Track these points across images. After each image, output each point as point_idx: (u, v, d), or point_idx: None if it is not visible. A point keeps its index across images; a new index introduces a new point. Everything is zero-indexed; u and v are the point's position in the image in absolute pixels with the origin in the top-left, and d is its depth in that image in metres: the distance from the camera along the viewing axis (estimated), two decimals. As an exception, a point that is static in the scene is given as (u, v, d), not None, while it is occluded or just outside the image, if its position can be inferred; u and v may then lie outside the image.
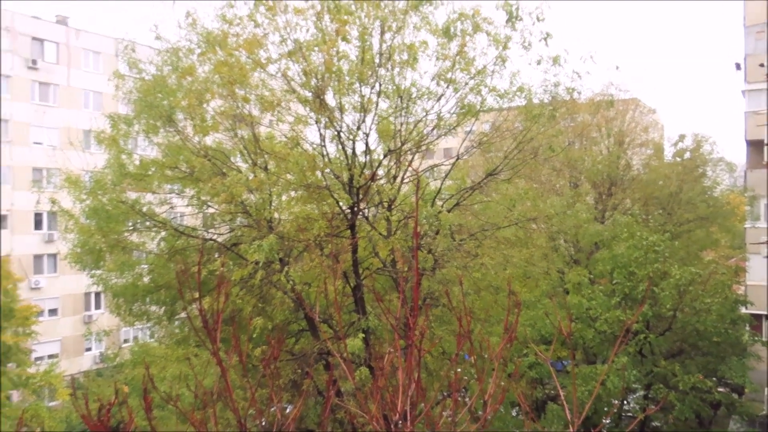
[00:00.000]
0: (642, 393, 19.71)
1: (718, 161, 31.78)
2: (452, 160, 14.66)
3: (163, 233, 14.52)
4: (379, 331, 12.79)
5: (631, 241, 18.72)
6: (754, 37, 26.80)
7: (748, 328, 19.92)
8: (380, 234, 13.10)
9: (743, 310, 20.41)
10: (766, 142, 26.32)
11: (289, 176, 12.44)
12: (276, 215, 13.38)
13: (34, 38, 37.35)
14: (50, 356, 34.96)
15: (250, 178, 12.36)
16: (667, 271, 18.12)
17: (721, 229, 30.33)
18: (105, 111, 18.24)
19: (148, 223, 14.38)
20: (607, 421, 19.03)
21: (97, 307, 38.62)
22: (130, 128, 14.28)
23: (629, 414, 20.65)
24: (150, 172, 14.29)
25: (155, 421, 3.06)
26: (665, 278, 18.02)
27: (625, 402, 20.37)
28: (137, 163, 14.51)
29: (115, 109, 18.62)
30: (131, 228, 14.61)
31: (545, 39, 13.08)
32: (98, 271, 15.47)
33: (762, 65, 25.49)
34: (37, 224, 37.17)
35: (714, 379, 19.23)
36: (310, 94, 12.53)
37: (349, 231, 13.21)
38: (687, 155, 30.25)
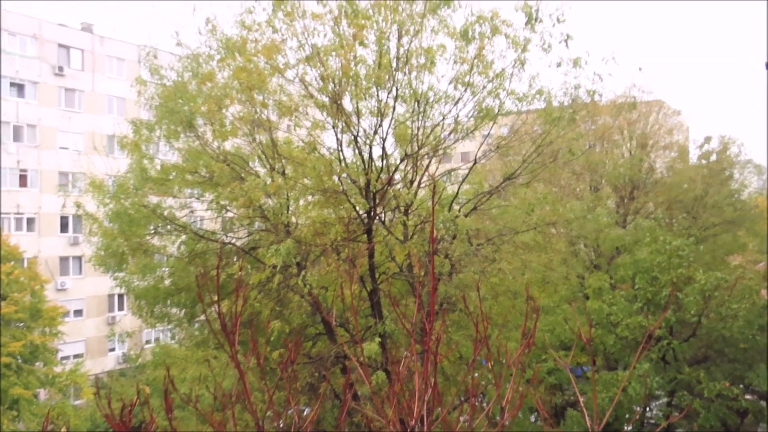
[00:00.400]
0: (665, 400, 19.37)
1: (746, 163, 31.10)
2: (470, 164, 14.58)
3: (183, 237, 14.70)
4: (396, 336, 12.78)
5: (654, 245, 18.40)
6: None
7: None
8: (397, 238, 13.08)
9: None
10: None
11: (306, 181, 12.51)
12: (293, 219, 13.45)
13: (60, 45, 38.17)
14: (75, 356, 35.62)
15: (268, 182, 12.44)
16: (692, 276, 17.78)
17: (748, 233, 29.63)
18: (128, 116, 18.54)
19: (168, 227, 14.57)
20: (629, 428, 18.74)
21: (120, 308, 39.24)
22: (151, 133, 14.49)
23: (652, 421, 20.31)
24: (171, 177, 14.48)
25: (175, 421, 3.11)
26: (689, 283, 17.68)
27: (647, 409, 20.04)
28: (158, 167, 14.72)
29: (138, 114, 18.91)
30: (153, 231, 14.82)
31: (566, 41, 12.95)
32: (121, 274, 15.72)
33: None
34: (63, 227, 37.95)
35: (741, 386, 18.82)
36: (327, 98, 12.57)
37: (365, 235, 13.22)
38: (713, 157, 29.65)
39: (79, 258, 37.44)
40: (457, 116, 13.39)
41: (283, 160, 13.33)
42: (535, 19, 12.73)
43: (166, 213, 14.33)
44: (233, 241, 14.94)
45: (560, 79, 13.66)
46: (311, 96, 12.77)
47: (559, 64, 13.29)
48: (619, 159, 26.19)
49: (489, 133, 14.30)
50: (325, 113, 12.86)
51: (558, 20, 12.75)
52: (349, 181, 12.95)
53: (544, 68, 13.68)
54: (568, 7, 12.71)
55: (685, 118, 33.92)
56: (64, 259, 38.00)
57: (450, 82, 13.03)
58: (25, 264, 31.27)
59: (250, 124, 13.31)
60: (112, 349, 39.40)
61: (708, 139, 29.81)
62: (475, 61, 12.79)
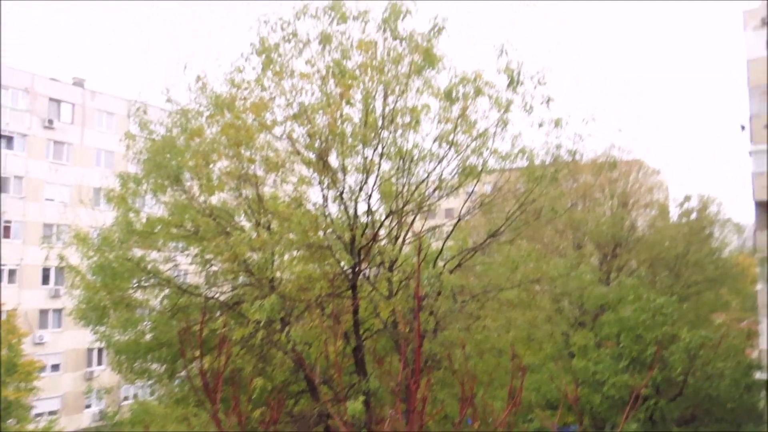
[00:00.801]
0: (654, 461, 18.99)
1: (726, 222, 31.65)
2: (454, 221, 14.72)
3: (166, 291, 14.53)
4: (380, 394, 12.57)
5: (638, 303, 18.50)
6: (758, 98, 27.03)
7: (764, 393, 19.35)
8: (381, 295, 13.05)
9: (758, 376, 19.88)
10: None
11: (291, 236, 12.53)
12: (278, 274, 13.40)
13: (51, 99, 38.62)
14: (50, 412, 34.39)
15: (253, 237, 12.46)
16: (677, 335, 17.81)
17: (731, 291, 29.88)
18: (116, 170, 18.63)
19: (152, 281, 14.41)
20: (618, 492, 18.29)
21: (99, 363, 38.25)
22: (138, 187, 14.52)
23: (641, 483, 19.85)
24: (156, 230, 14.43)
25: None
26: (674, 341, 17.69)
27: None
28: (144, 221, 14.68)
29: (126, 168, 19.00)
30: (136, 285, 14.64)
31: (547, 102, 13.36)
32: (102, 328, 15.42)
33: (767, 126, 25.63)
34: (45, 279, 37.36)
35: (729, 447, 18.61)
36: (313, 155, 12.77)
37: (350, 291, 13.18)
38: (693, 216, 30.16)
39: (59, 311, 36.71)
40: (442, 174, 13.65)
41: (269, 215, 13.39)
42: (517, 82, 13.14)
43: (149, 266, 14.21)
44: (217, 295, 14.79)
45: (542, 139, 14.01)
46: (298, 152, 12.97)
47: (540, 125, 13.67)
48: (601, 217, 26.56)
49: (473, 191, 14.52)
50: (311, 169, 13.04)
51: (539, 82, 13.18)
52: (335, 237, 13.00)
53: (526, 128, 13.99)
54: (548, 70, 13.18)
55: (665, 177, 34.67)
56: (43, 312, 37.23)
57: (434, 141, 13.32)
58: (4, 316, 30.60)
59: (236, 179, 13.42)
60: (89, 406, 38.15)
61: (687, 198, 30.42)
62: (459, 120, 13.12)
